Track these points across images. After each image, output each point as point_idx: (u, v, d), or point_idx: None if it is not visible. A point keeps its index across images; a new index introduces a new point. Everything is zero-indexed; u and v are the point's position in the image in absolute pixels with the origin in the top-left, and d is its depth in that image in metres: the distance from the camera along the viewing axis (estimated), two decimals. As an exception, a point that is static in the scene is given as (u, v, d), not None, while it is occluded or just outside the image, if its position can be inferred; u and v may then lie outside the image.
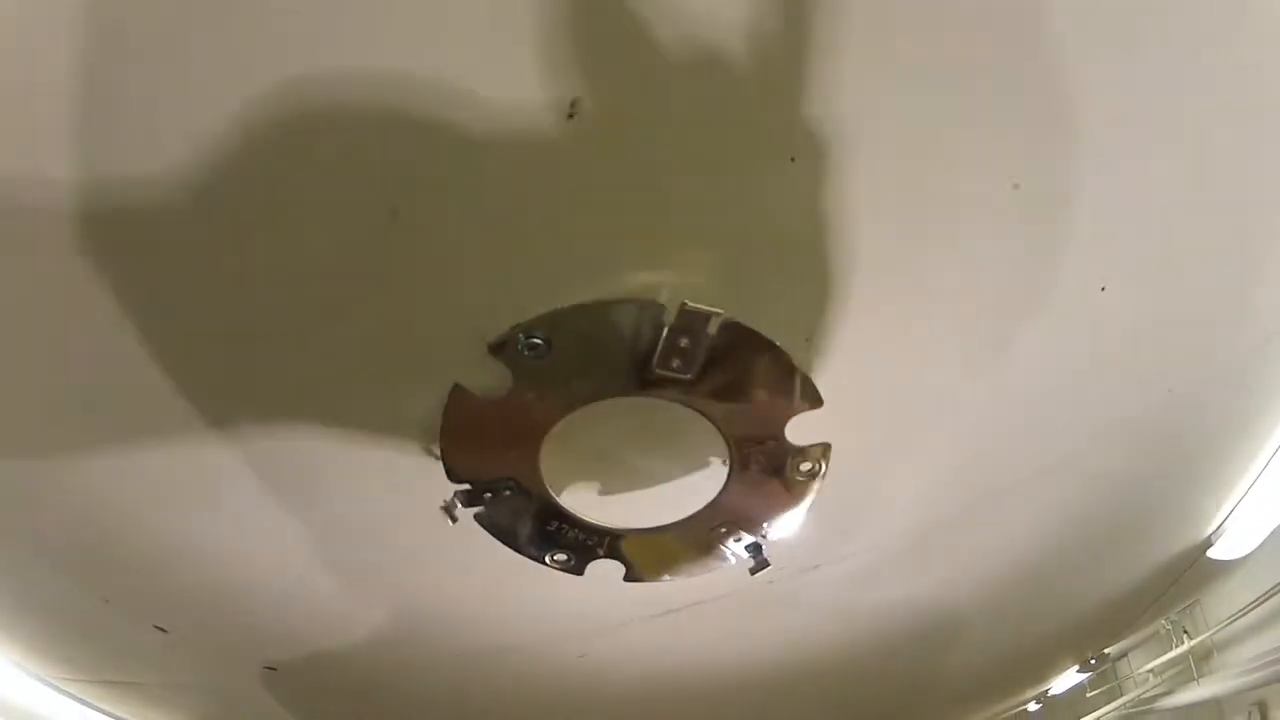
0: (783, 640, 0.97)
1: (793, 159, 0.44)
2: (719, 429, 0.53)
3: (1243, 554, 1.16)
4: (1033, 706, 1.97)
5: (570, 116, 0.39)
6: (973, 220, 0.50)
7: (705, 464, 0.57)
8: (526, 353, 0.47)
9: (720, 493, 0.58)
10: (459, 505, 0.56)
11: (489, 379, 0.49)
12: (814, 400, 0.52)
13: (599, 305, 0.46)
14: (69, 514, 0.66)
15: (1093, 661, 1.66)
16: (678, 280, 0.47)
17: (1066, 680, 1.78)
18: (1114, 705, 1.84)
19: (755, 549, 0.62)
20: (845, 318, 0.52)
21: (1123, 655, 1.85)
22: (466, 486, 0.55)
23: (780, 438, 0.54)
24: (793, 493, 0.59)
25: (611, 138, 0.42)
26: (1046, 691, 1.86)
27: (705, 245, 0.47)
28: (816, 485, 0.59)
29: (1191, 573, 1.28)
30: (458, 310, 0.48)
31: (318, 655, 0.86)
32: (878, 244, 0.49)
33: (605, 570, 0.63)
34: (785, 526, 0.61)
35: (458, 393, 0.49)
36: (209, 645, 0.90)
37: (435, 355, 0.49)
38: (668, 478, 0.59)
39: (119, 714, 1.04)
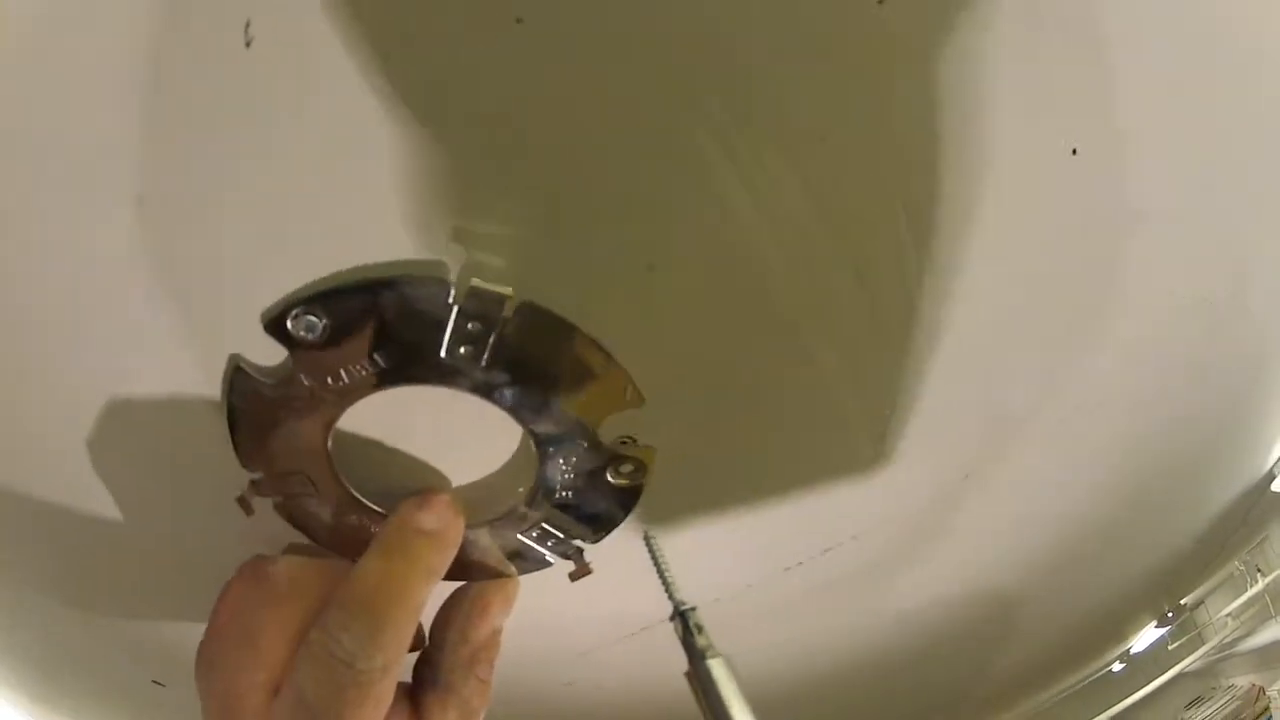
0: (786, 653, 0.89)
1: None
2: (522, 426, 0.46)
3: (1305, 481, 1.10)
4: (1117, 667, 1.94)
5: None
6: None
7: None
8: (303, 332, 0.41)
9: (530, 495, 0.51)
10: (255, 495, 0.49)
11: (271, 360, 0.43)
12: (634, 399, 0.44)
13: (376, 282, 0.40)
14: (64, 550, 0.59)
15: (1170, 615, 1.60)
16: (471, 253, 0.40)
17: (1147, 637, 1.71)
18: (1198, 654, 1.77)
19: (578, 553, 0.55)
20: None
21: (1199, 604, 1.78)
22: (259, 475, 0.49)
23: (593, 439, 0.47)
24: (613, 500, 0.51)
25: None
26: (1128, 650, 1.78)
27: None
28: (639, 495, 0.51)
29: (1258, 509, 1.22)
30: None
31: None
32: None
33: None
34: (605, 532, 0.54)
35: (238, 374, 0.43)
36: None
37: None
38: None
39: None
